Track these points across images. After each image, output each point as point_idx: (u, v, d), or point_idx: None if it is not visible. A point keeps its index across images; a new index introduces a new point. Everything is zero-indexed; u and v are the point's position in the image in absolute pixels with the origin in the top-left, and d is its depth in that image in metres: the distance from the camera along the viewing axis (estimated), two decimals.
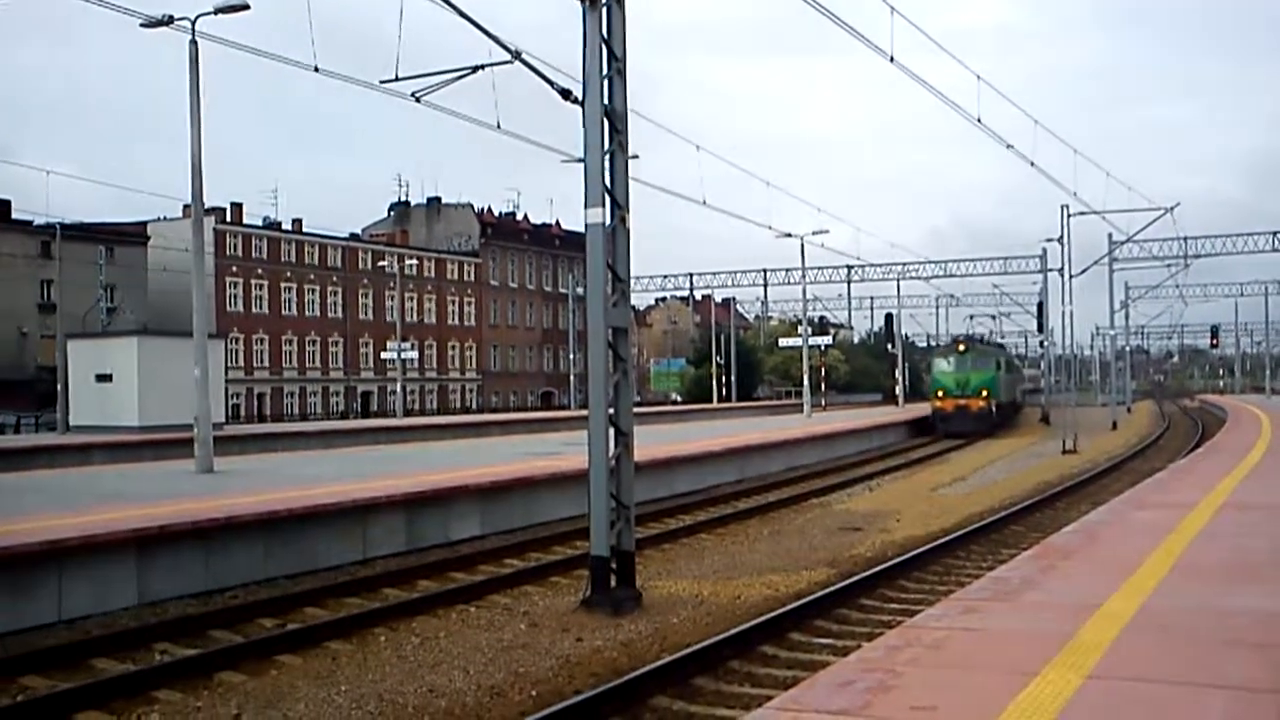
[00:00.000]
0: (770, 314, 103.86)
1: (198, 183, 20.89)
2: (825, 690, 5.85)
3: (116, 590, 11.92)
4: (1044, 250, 52.51)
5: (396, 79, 14.19)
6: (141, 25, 19.89)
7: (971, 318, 75.86)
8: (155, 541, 12.33)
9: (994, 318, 73.41)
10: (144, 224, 71.69)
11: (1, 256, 63.50)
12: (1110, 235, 49.79)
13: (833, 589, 12.47)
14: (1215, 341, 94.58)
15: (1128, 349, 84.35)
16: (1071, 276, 40.56)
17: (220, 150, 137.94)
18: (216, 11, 20.22)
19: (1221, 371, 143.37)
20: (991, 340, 60.87)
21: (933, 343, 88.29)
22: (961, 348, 48.41)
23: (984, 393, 45.31)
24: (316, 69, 16.47)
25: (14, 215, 64.23)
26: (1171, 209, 40.76)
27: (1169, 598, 8.08)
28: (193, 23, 20.26)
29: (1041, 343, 58.54)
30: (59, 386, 39.69)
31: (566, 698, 8.45)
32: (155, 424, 32.83)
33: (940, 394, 46.17)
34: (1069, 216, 39.51)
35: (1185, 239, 57.43)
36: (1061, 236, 39.97)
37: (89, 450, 30.16)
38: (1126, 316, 71.45)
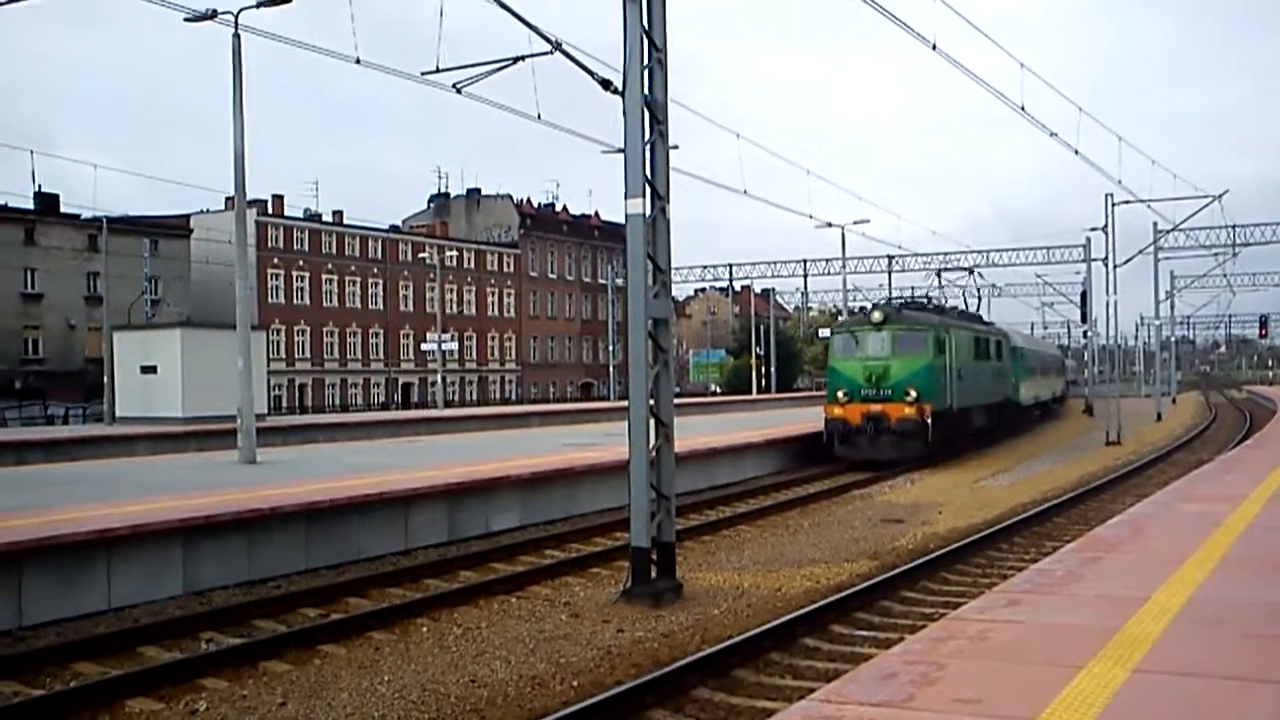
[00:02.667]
0: (810, 304, 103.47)
1: (241, 175, 21.06)
2: (869, 682, 5.82)
3: (163, 579, 12.07)
4: (1088, 239, 51.93)
5: (438, 70, 14.27)
6: (186, 19, 20.05)
7: (940, 273, 43.68)
8: (200, 531, 12.47)
9: (970, 271, 42.96)
10: (186, 217, 72.45)
11: (50, 250, 64.41)
12: (1155, 224, 49.18)
13: (875, 581, 12.41)
14: (1264, 332, 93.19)
15: (1173, 339, 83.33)
16: (1116, 266, 40.08)
17: (261, 142, 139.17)
18: (259, 5, 20.37)
19: (1270, 362, 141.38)
20: (954, 308, 36.02)
21: None
22: (877, 317, 28.21)
23: (910, 393, 26.31)
24: (358, 61, 16.56)
25: (61, 209, 65.20)
26: (1219, 196, 40.21)
27: (1218, 591, 7.97)
28: (236, 16, 20.41)
29: (1085, 333, 57.95)
30: (105, 378, 40.22)
31: (608, 688, 8.46)
32: (198, 415, 33.20)
33: (840, 394, 26.99)
34: (1113, 205, 39.05)
35: (1234, 227, 56.70)
36: (1106, 225, 39.51)
37: (134, 441, 30.53)
38: (1172, 306, 70.69)
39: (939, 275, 42.17)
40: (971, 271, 42.56)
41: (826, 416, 27.04)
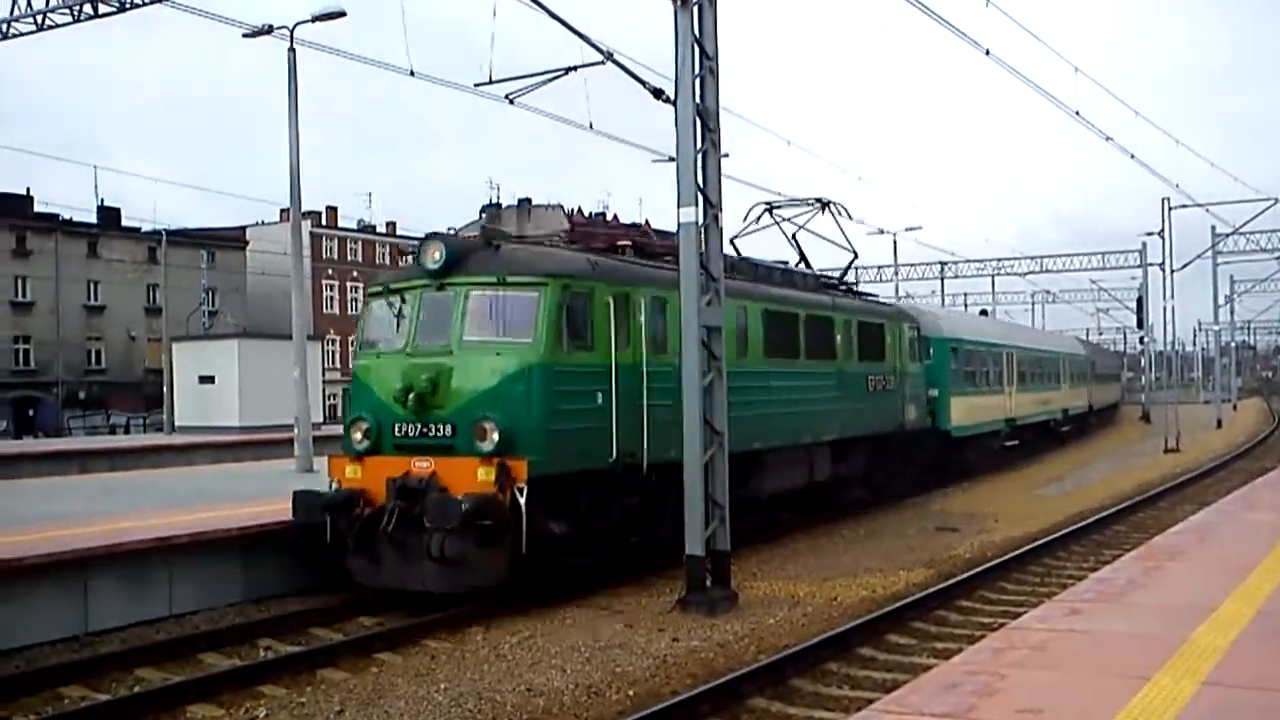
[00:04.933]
0: None
1: (296, 187, 21.30)
2: (929, 692, 5.76)
3: (223, 587, 12.20)
4: (1144, 244, 51.28)
5: (490, 81, 14.33)
6: (244, 36, 20.37)
7: (772, 208, 20.49)
8: (258, 539, 12.60)
9: (825, 206, 18.65)
10: (242, 229, 73.45)
11: (112, 263, 65.53)
12: (1214, 228, 48.37)
13: (931, 590, 12.32)
14: None
15: (1233, 345, 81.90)
16: (1173, 271, 39.52)
17: (315, 154, 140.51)
18: (314, 19, 20.62)
19: None
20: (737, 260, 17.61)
21: None
22: (435, 256, 12.37)
23: (487, 434, 11.49)
24: (412, 72, 16.70)
25: (123, 222, 66.39)
26: None
27: None
28: (291, 31, 20.68)
29: (1141, 339, 57.09)
30: (165, 388, 40.85)
31: (664, 698, 8.45)
32: (255, 424, 33.61)
33: (358, 434, 12.30)
34: (1170, 209, 38.50)
35: None
36: (1162, 230, 38.96)
37: (193, 450, 30.94)
38: (1231, 311, 69.32)
39: (770, 212, 20.27)
40: (826, 207, 20.11)
41: (329, 484, 12.57)
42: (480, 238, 12.98)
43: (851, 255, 21.34)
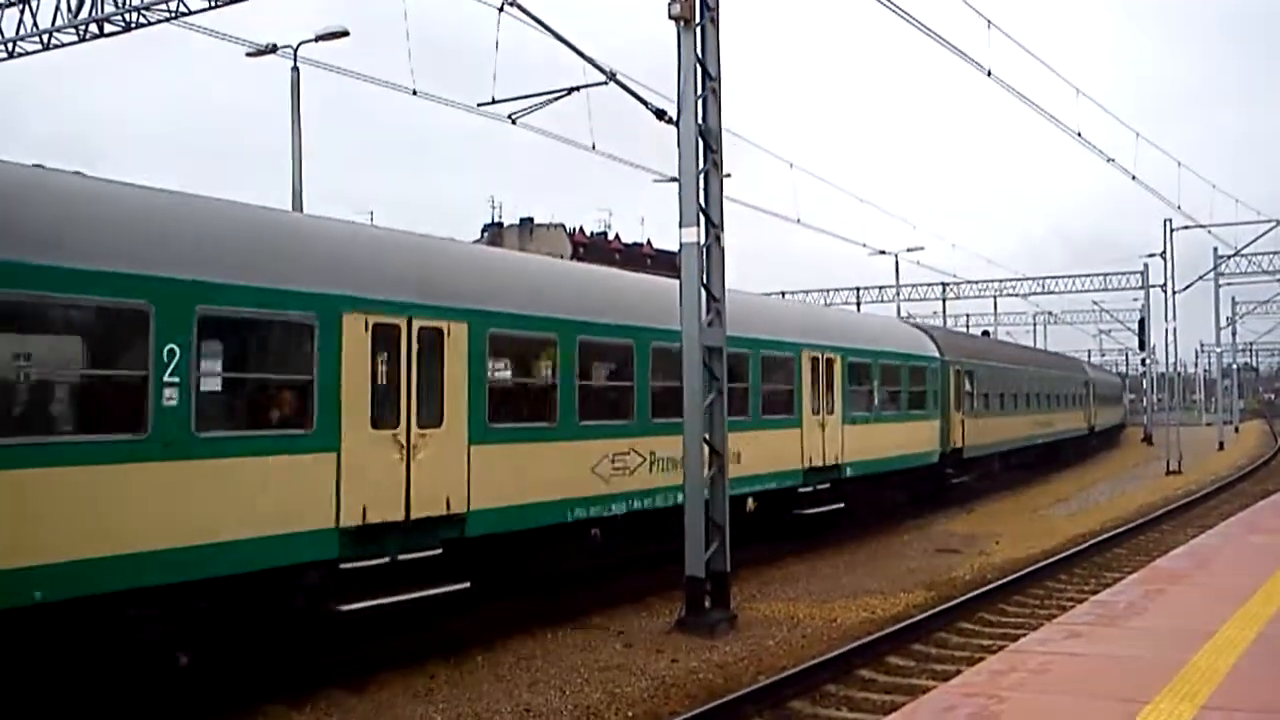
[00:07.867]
0: None
1: (298, 206, 21.36)
2: (928, 715, 5.76)
3: None
4: (1145, 266, 51.31)
5: (494, 101, 14.38)
6: (247, 55, 20.47)
7: None
8: None
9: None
10: None
11: None
12: (1216, 249, 48.39)
13: (931, 612, 12.29)
14: None
15: (1235, 366, 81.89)
16: (1175, 292, 39.55)
17: (316, 169, 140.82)
18: (317, 39, 20.73)
19: None
20: None
21: None
22: None
23: None
24: (415, 92, 16.75)
25: None
26: None
27: None
28: (294, 51, 20.79)
29: (1143, 361, 57.06)
30: None
31: (662, 719, 8.44)
32: None
33: None
34: (1172, 231, 38.56)
35: None
36: (1164, 251, 39.01)
37: None
38: (1233, 333, 69.41)
39: None
40: None
41: None
42: None
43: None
